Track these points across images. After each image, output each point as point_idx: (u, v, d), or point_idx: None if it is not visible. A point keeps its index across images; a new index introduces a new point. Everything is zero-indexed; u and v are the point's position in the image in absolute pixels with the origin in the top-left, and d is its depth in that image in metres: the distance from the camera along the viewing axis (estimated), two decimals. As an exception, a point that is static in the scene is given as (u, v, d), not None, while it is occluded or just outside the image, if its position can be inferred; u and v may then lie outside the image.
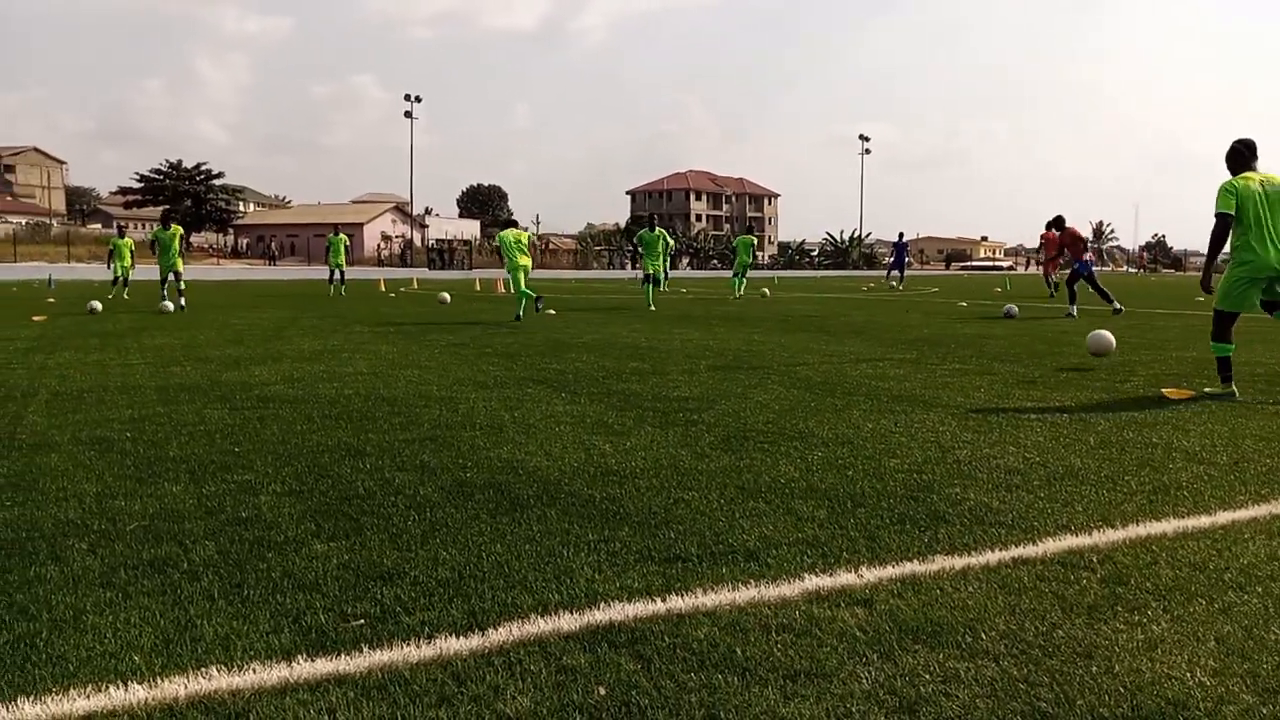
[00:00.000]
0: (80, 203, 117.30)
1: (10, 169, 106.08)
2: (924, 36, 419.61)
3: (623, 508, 4.30)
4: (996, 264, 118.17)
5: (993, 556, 3.63)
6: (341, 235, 29.83)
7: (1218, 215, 7.39)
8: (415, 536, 3.87)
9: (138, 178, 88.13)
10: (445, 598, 3.20)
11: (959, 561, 3.57)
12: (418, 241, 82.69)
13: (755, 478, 4.85)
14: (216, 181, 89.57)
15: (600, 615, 3.04)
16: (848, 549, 3.72)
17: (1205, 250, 7.68)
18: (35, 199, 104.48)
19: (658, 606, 3.11)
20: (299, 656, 2.74)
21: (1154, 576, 3.43)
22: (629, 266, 78.79)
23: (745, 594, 3.23)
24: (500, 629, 2.93)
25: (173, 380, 8.49)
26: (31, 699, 2.47)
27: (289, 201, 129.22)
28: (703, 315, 18.22)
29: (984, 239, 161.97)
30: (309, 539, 3.83)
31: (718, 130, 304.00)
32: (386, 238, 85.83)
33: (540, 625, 2.96)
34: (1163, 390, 7.85)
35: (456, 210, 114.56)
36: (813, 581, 3.34)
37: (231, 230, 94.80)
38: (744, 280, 27.53)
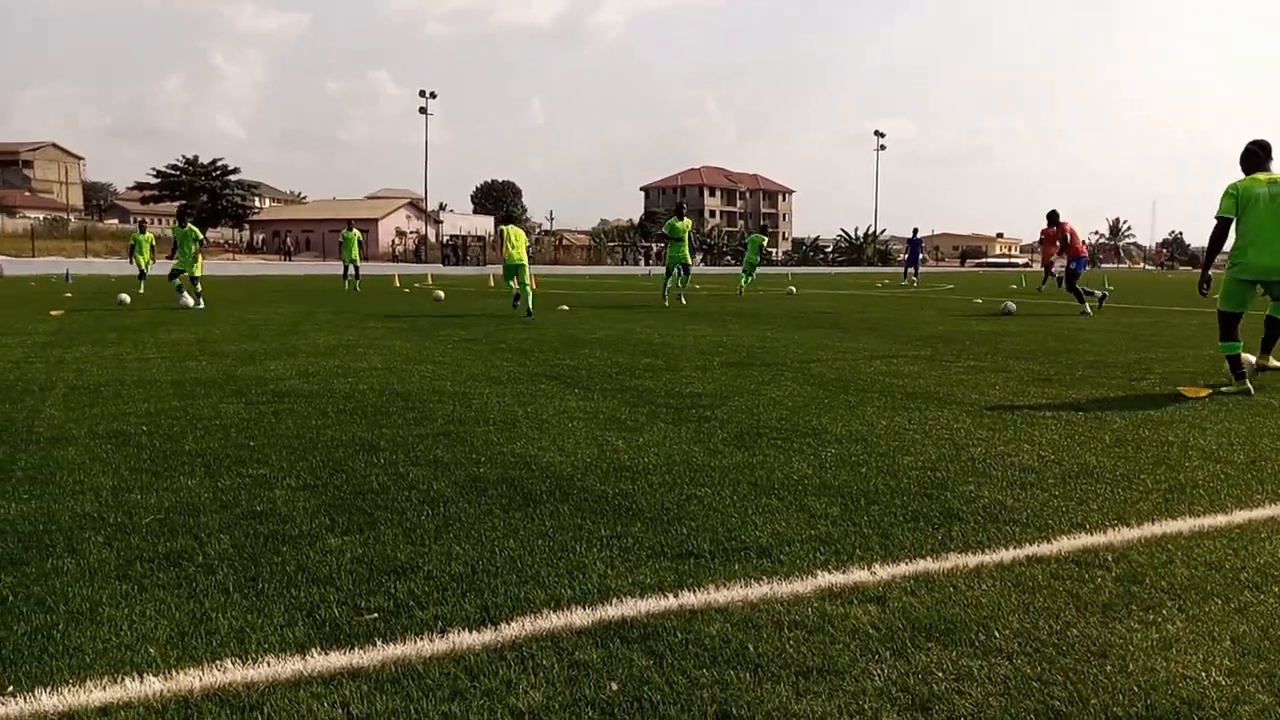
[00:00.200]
0: (98, 198, 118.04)
1: (29, 164, 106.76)
2: (942, 33, 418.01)
3: (635, 503, 4.30)
4: (1012, 261, 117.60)
5: (1007, 554, 3.62)
6: (355, 231, 29.95)
7: (1216, 218, 7.60)
8: (429, 531, 3.88)
9: (155, 173, 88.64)
10: (458, 592, 3.21)
11: (973, 559, 3.56)
12: (432, 237, 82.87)
13: (768, 474, 4.85)
14: (233, 177, 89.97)
15: (613, 611, 3.04)
16: (861, 546, 3.71)
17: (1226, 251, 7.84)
18: (53, 194, 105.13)
19: (670, 602, 3.11)
20: (313, 649, 2.75)
21: (1169, 575, 3.41)
22: (642, 263, 78.79)
23: (758, 590, 3.22)
24: (513, 624, 2.94)
25: (189, 375, 8.54)
26: (49, 690, 2.49)
27: (304, 197, 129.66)
28: (716, 311, 18.20)
29: (999, 235, 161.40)
30: (323, 533, 3.85)
31: (733, 126, 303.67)
32: (401, 233, 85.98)
33: (553, 620, 2.97)
34: (1179, 388, 7.80)
35: (471, 206, 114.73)
36: (826, 578, 3.34)
37: (247, 226, 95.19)
38: (752, 278, 27.81)
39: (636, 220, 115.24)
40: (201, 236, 20.29)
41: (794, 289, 29.08)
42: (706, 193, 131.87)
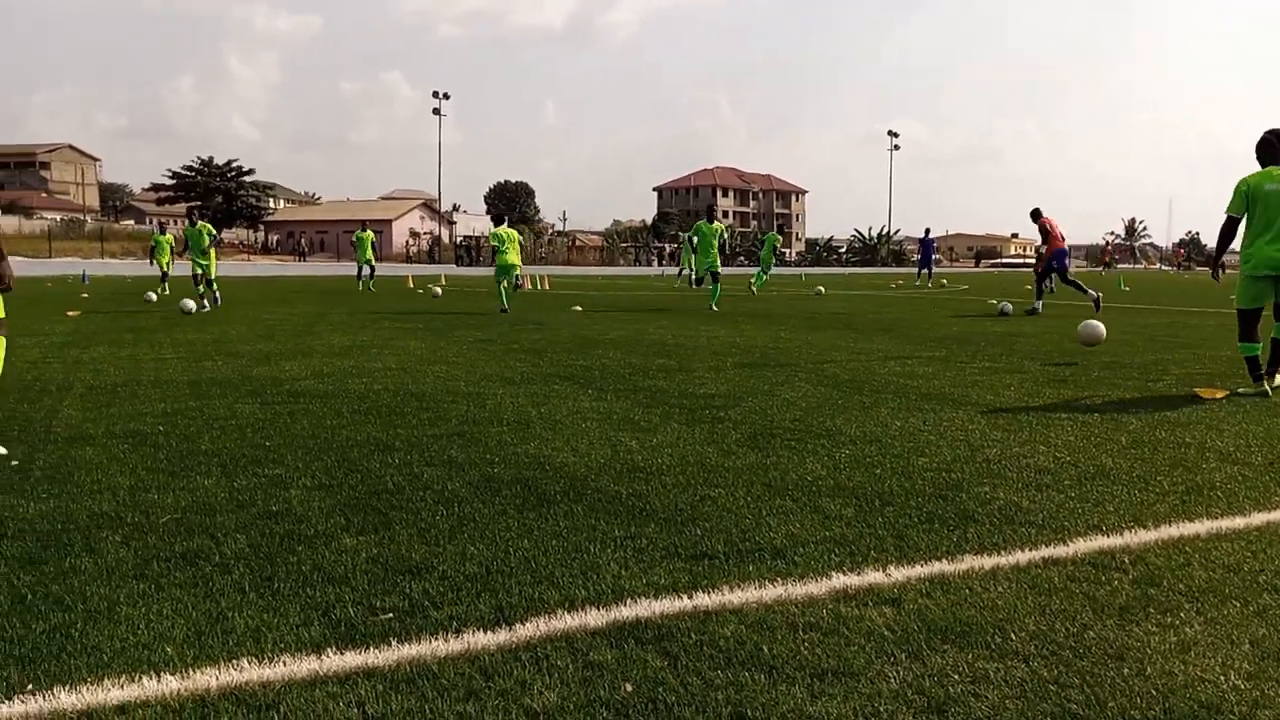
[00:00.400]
0: (113, 199, 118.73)
1: (46, 166, 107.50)
2: (955, 33, 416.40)
3: (649, 504, 4.30)
4: (1027, 261, 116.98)
5: (1023, 556, 3.60)
6: (369, 232, 30.05)
7: (1226, 214, 7.60)
8: (443, 531, 3.89)
9: (170, 174, 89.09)
10: (473, 592, 3.22)
11: (988, 561, 3.54)
12: (445, 238, 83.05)
13: (782, 475, 4.84)
14: (247, 178, 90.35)
15: (627, 612, 3.04)
16: (875, 548, 3.70)
17: (1238, 249, 7.81)
18: (69, 195, 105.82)
19: (684, 604, 3.11)
20: (328, 649, 2.76)
21: (1187, 578, 3.39)
22: (655, 264, 78.77)
23: (772, 592, 3.22)
24: (527, 624, 2.94)
25: (205, 375, 8.59)
26: (67, 688, 2.51)
27: (318, 198, 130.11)
28: (729, 312, 18.18)
29: (1014, 236, 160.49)
30: (338, 533, 3.86)
31: (746, 127, 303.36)
32: (415, 234, 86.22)
33: (567, 621, 2.97)
34: (1196, 389, 7.75)
35: (484, 207, 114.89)
36: (840, 580, 3.33)
37: (262, 227, 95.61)
38: (765, 277, 28.30)
39: (649, 221, 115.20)
40: (215, 232, 19.93)
41: (822, 288, 29.27)
42: (719, 193, 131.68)
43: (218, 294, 19.28)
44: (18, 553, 3.59)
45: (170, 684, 2.53)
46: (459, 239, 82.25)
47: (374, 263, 28.98)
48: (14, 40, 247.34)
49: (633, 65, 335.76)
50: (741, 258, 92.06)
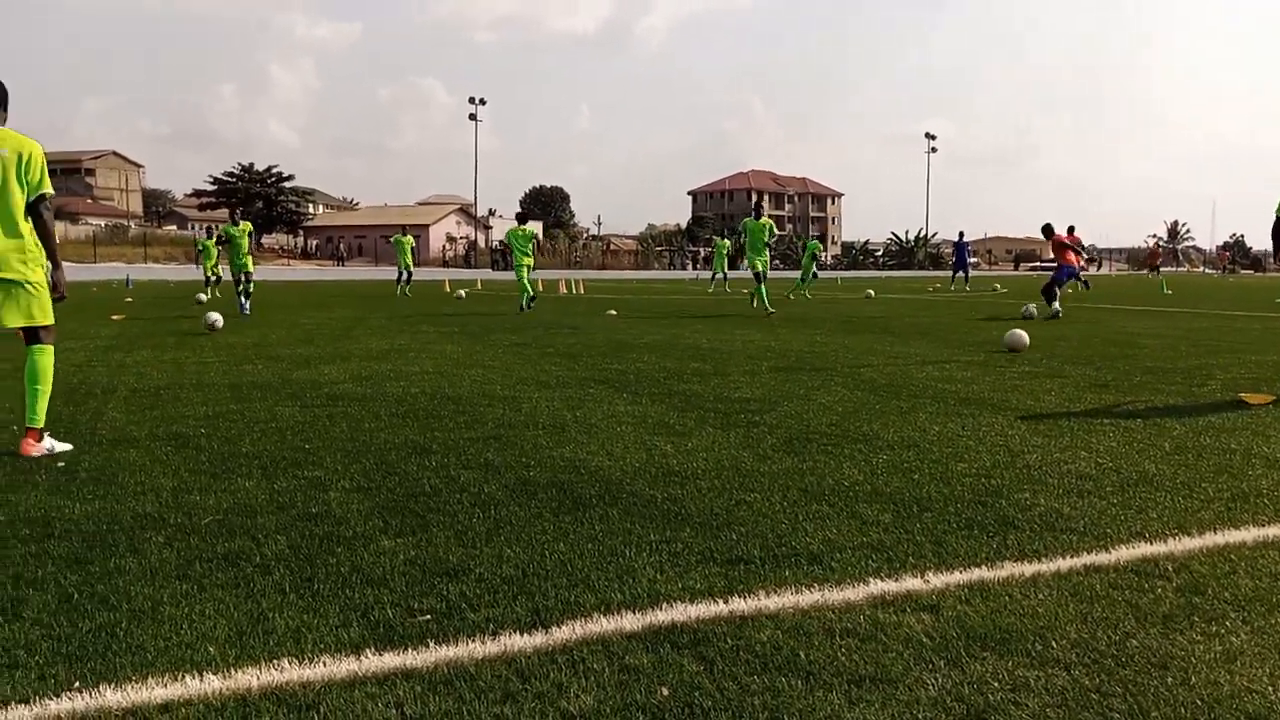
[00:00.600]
0: (156, 205, 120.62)
1: (91, 173, 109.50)
2: (991, 33, 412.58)
3: (684, 508, 4.30)
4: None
5: (1064, 563, 3.55)
6: (408, 236, 30.31)
7: (1276, 215, 7.60)
8: (480, 534, 3.91)
9: (211, 180, 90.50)
10: (509, 595, 3.23)
11: (1029, 568, 3.50)
12: (481, 243, 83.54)
13: (818, 480, 4.81)
14: (287, 184, 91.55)
15: (663, 615, 3.04)
16: (914, 554, 3.67)
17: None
18: (114, 201, 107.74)
19: (720, 608, 3.10)
20: (367, 650, 2.78)
21: (1233, 586, 3.33)
22: (690, 267, 78.73)
23: (809, 597, 3.20)
24: (563, 627, 2.95)
25: (245, 378, 8.70)
26: (113, 687, 2.55)
27: (356, 203, 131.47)
28: (764, 316, 18.12)
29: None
30: (377, 535, 3.90)
31: (780, 130, 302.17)
32: (451, 239, 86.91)
33: (603, 624, 2.97)
34: (1241, 395, 7.61)
35: (519, 211, 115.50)
36: (878, 586, 3.31)
37: (301, 232, 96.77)
38: (806, 283, 28.41)
39: (684, 225, 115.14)
40: (251, 230, 19.80)
41: (871, 292, 29.25)
42: (754, 197, 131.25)
43: (248, 300, 19.24)
44: (65, 553, 3.66)
45: (212, 683, 2.57)
46: (495, 243, 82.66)
47: (412, 268, 29.20)
48: (59, 50, 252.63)
49: (666, 69, 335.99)
50: (777, 261, 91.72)
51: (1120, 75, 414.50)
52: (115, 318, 16.86)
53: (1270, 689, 2.56)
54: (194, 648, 2.80)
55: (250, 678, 2.60)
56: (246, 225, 19.67)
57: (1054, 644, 2.84)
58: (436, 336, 13.38)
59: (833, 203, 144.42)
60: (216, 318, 14.47)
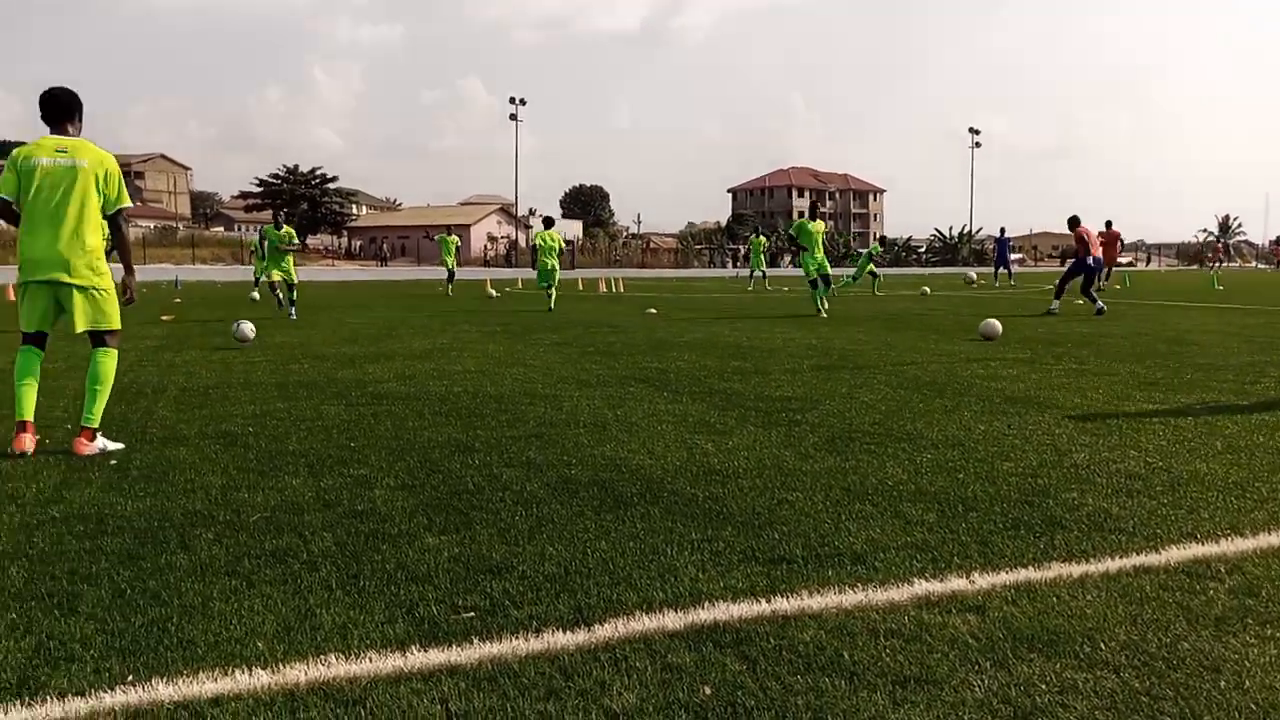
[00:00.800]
0: (204, 207, 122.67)
1: (140, 175, 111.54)
2: (1037, 26, 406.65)
3: (726, 507, 4.29)
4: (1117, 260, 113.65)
5: (1112, 564, 3.50)
6: (453, 236, 30.53)
7: None
8: (522, 532, 3.94)
9: (257, 182, 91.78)
10: (552, 592, 3.25)
11: (1077, 569, 3.45)
12: (522, 242, 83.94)
13: (861, 479, 4.78)
14: (331, 185, 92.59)
15: (705, 615, 3.04)
16: (959, 554, 3.63)
17: None
18: (163, 204, 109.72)
19: (762, 608, 3.10)
20: (412, 646, 2.81)
21: (1288, 589, 3.25)
22: (729, 265, 78.50)
23: (852, 597, 3.18)
24: (606, 625, 2.96)
25: (291, 377, 8.82)
26: (165, 680, 2.60)
27: (399, 204, 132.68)
28: (806, 313, 18.02)
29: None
30: (421, 532, 3.93)
31: (821, 126, 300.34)
32: (492, 239, 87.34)
33: (645, 623, 2.98)
34: (1297, 393, 7.44)
35: (560, 211, 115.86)
36: (922, 586, 3.28)
37: (345, 233, 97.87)
38: (856, 282, 29.01)
39: (724, 223, 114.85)
40: (294, 236, 18.99)
41: (927, 289, 29.15)
42: (795, 193, 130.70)
43: (294, 298, 19.31)
44: (117, 548, 3.74)
45: (261, 678, 2.61)
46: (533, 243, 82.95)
47: (453, 268, 29.40)
48: (109, 55, 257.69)
49: (707, 66, 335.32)
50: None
51: (1169, 67, 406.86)
52: (165, 318, 17.18)
53: (1328, 694, 2.50)
54: (243, 643, 2.85)
55: (298, 673, 2.64)
56: (289, 230, 18.85)
57: (1103, 646, 2.79)
58: (478, 336, 13.47)
59: (874, 199, 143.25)
60: (248, 332, 12.18)
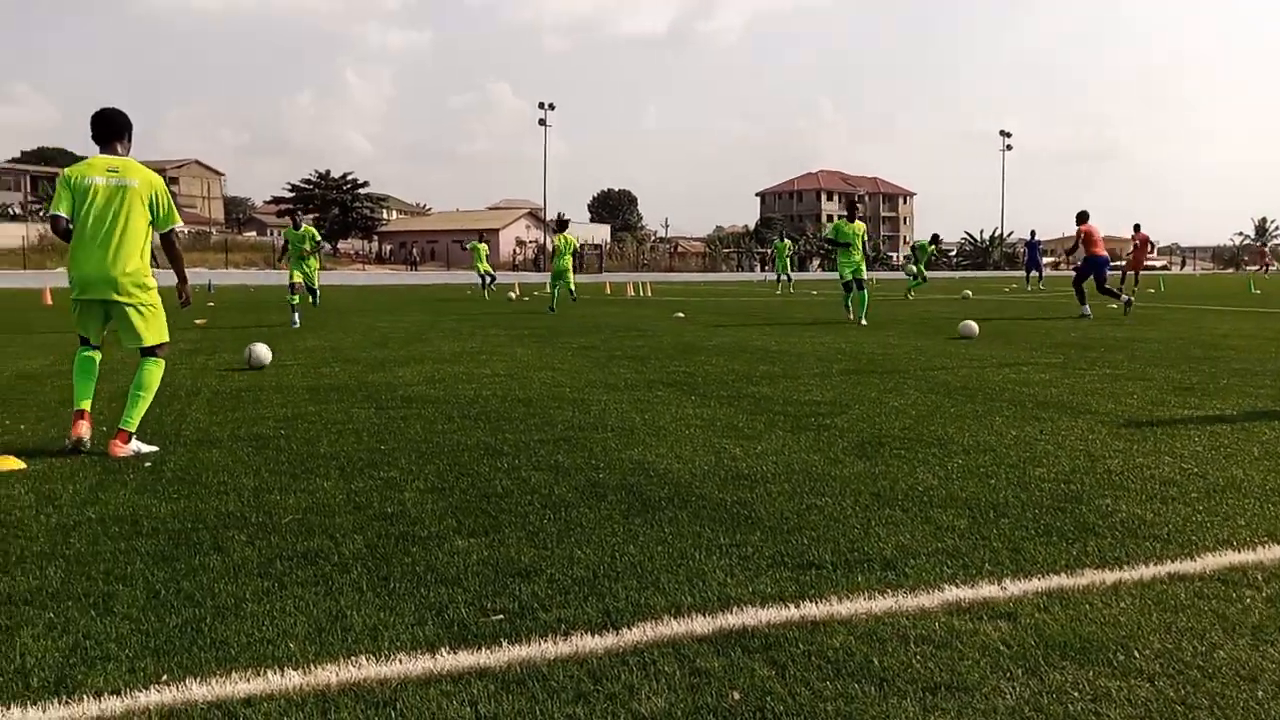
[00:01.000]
0: (237, 212, 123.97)
1: (174, 181, 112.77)
2: (1068, 27, 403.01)
3: (754, 512, 4.28)
4: (1149, 263, 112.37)
5: (1147, 571, 3.46)
6: (484, 243, 30.79)
7: None
8: (551, 535, 3.95)
9: (289, 187, 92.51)
10: (581, 596, 3.25)
11: (1110, 576, 3.41)
12: (550, 246, 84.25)
13: (891, 485, 4.75)
14: (362, 190, 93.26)
15: (733, 619, 3.03)
16: (990, 560, 3.60)
17: None
18: (197, 209, 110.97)
19: (792, 613, 3.08)
20: (442, 648, 2.83)
21: (1328, 598, 3.20)
22: (758, 269, 78.32)
23: (882, 603, 3.17)
24: (634, 629, 2.96)
25: (323, 381, 8.90)
26: (198, 680, 2.63)
27: (429, 209, 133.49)
28: (835, 318, 17.95)
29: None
30: (450, 535, 3.95)
31: (850, 129, 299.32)
32: (521, 243, 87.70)
33: (674, 627, 2.98)
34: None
35: (588, 215, 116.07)
36: (953, 593, 3.25)
37: (376, 237, 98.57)
38: (917, 281, 29.11)
39: (752, 227, 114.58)
40: (319, 237, 18.35)
41: (969, 293, 29.03)
42: (824, 197, 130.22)
43: (318, 297, 19.11)
44: (152, 550, 3.78)
45: (293, 679, 2.63)
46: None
47: (480, 272, 29.66)
48: (145, 64, 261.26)
49: (735, 70, 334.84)
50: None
51: (1202, 67, 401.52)
52: (199, 322, 17.38)
53: (1369, 705, 2.45)
54: (275, 643, 2.88)
55: (329, 674, 2.66)
56: (309, 229, 18.14)
57: (1137, 654, 2.76)
58: (506, 339, 13.52)
59: (904, 202, 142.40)
60: (264, 355, 10.33)
